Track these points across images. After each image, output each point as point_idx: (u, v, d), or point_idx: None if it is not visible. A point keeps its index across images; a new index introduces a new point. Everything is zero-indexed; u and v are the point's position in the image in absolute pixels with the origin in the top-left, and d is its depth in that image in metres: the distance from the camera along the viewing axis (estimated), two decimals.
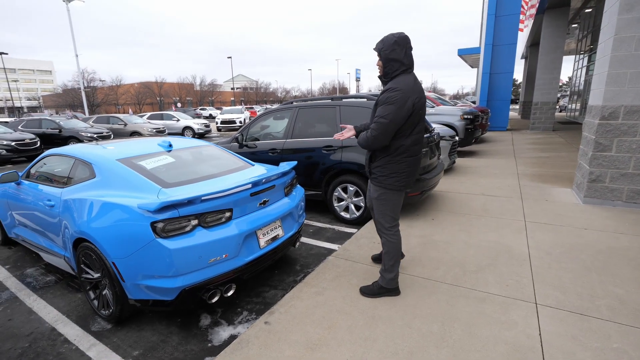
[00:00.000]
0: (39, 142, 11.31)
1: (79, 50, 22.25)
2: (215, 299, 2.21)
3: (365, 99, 4.51)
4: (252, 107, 31.27)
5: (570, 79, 21.10)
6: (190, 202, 2.04)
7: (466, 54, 22.00)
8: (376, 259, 3.07)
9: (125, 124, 15.71)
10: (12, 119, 15.59)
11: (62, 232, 2.55)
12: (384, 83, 2.29)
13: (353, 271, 2.90)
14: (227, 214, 2.23)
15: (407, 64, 2.20)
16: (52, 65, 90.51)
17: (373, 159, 2.37)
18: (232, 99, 54.43)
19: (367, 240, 3.58)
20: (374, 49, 2.24)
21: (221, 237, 2.12)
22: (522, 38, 20.31)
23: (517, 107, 33.58)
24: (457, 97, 62.56)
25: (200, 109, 41.82)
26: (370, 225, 4.01)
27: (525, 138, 12.02)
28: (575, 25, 17.18)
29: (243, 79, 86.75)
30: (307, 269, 3.14)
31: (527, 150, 9.35)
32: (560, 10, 13.16)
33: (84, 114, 23.08)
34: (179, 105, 44.34)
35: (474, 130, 8.88)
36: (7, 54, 33.25)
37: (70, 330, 2.33)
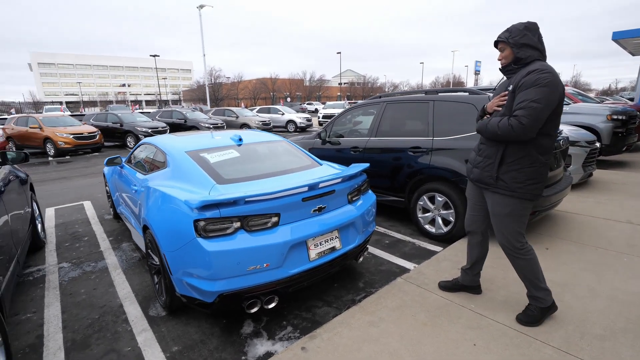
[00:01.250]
0: (168, 130, 13.47)
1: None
2: (255, 309, 2.04)
3: (467, 93, 3.78)
4: (356, 102, 31.36)
5: None
6: (234, 202, 1.90)
7: (625, 38, 17.26)
8: (445, 287, 2.56)
9: (237, 117, 17.47)
10: (154, 110, 19.05)
11: (140, 215, 2.76)
12: (511, 72, 2.03)
13: (423, 303, 2.38)
14: (274, 219, 2.03)
15: (541, 50, 1.97)
16: (191, 65, 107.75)
17: (502, 163, 2.01)
18: (339, 94, 55.73)
19: (450, 264, 2.97)
20: (498, 39, 2.02)
21: (264, 244, 1.93)
22: None
23: None
24: (607, 94, 51.03)
25: (307, 104, 44.12)
26: (458, 246, 3.35)
27: None
28: None
29: (351, 74, 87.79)
30: (371, 289, 2.74)
31: None
32: None
33: (208, 107, 26.76)
34: (288, 100, 47.57)
35: (626, 134, 6.82)
36: (158, 56, 40.56)
37: (133, 310, 2.49)
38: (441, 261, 3.03)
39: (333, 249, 2.30)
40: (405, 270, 2.98)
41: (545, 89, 1.80)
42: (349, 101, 36.53)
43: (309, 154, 3.12)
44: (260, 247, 1.92)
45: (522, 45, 1.94)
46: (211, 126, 15.45)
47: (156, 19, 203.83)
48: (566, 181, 3.73)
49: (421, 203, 3.85)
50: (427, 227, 3.84)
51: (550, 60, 2.03)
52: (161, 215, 2.18)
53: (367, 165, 2.79)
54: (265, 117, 18.75)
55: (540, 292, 2.11)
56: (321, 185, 2.21)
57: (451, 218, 3.58)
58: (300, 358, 1.86)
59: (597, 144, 5.41)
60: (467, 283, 2.48)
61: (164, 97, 70.45)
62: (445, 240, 3.63)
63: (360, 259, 2.72)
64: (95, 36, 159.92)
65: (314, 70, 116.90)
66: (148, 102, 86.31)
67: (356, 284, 2.83)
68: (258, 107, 21.52)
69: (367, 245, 2.94)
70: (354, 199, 2.57)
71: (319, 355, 1.88)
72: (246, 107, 29.20)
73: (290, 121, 19.20)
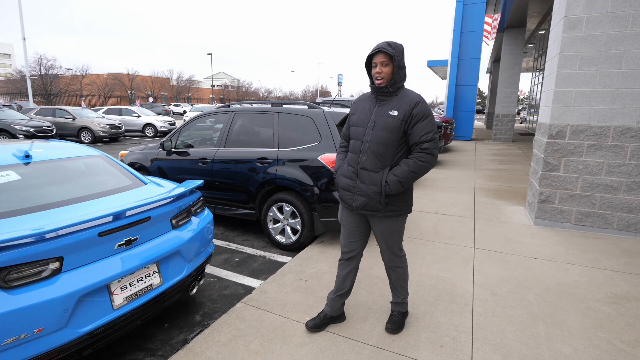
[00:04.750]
0: None
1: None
2: None
3: (306, 107, 3.97)
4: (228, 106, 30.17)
5: (529, 93, 21.94)
6: None
7: (435, 66, 22.31)
8: (314, 326, 2.27)
9: (74, 118, 14.25)
10: None
11: None
12: (386, 94, 1.95)
13: (259, 327, 2.28)
14: (53, 265, 1.57)
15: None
16: (12, 49, 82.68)
17: None
18: (211, 96, 52.53)
19: (294, 276, 3.00)
20: (383, 50, 1.86)
21: (31, 303, 1.45)
22: (487, 53, 20.84)
23: (484, 117, 34.60)
24: (432, 106, 64.23)
25: (174, 105, 40.38)
26: (303, 255, 3.45)
27: (487, 148, 12.06)
28: (532, 45, 17.86)
29: (224, 77, 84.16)
30: (210, 321, 2.50)
31: (487, 161, 9.24)
32: (518, 30, 13.68)
33: (31, 103, 20.92)
34: (150, 99, 42.01)
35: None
36: None
37: None
38: (285, 274, 3.04)
39: (150, 287, 1.97)
40: (250, 290, 2.86)
41: (433, 119, 1.93)
42: (220, 104, 35.14)
43: (133, 171, 2.65)
44: (26, 309, 1.44)
45: (401, 68, 1.90)
46: (31, 129, 12.17)
47: None
48: None
49: (271, 214, 3.85)
50: (278, 237, 3.86)
51: None
52: None
53: (200, 182, 2.57)
54: (115, 119, 15.99)
55: (406, 297, 2.28)
56: (129, 213, 1.86)
57: (298, 227, 3.69)
58: None
59: None
60: (336, 313, 2.29)
61: None
62: (294, 249, 3.72)
63: (194, 291, 2.45)
64: None
65: (183, 69, 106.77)
66: None
67: (192, 319, 2.54)
68: (105, 108, 18.13)
69: (205, 271, 2.71)
70: (181, 222, 2.29)
71: None
72: (90, 106, 24.14)
73: (149, 125, 17.02)
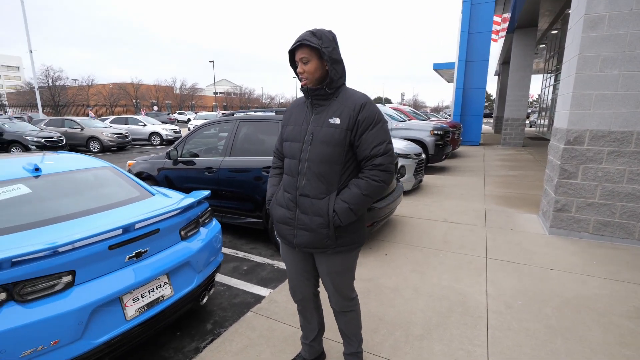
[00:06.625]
0: None
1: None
2: None
3: None
4: (232, 113, 30.50)
5: (539, 96, 21.64)
6: None
7: (442, 69, 22.23)
8: None
9: (82, 128, 14.59)
10: None
11: None
12: (322, 97, 1.55)
13: (270, 337, 2.28)
14: (66, 279, 1.59)
15: (345, 71, 1.60)
16: (20, 61, 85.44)
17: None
18: (215, 103, 53.11)
19: None
20: (306, 42, 1.46)
21: (47, 316, 1.47)
22: (495, 55, 20.73)
23: (491, 121, 34.40)
24: (437, 110, 63.78)
25: (178, 113, 41.11)
26: None
27: (496, 154, 11.90)
28: (543, 45, 17.63)
29: (227, 84, 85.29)
30: (220, 329, 2.50)
31: (497, 167, 9.12)
32: (528, 30, 13.38)
33: (40, 115, 21.41)
34: (155, 108, 42.74)
35: (444, 146, 8.61)
36: None
37: None
38: None
39: (161, 298, 1.98)
40: (259, 299, 2.85)
41: (386, 124, 1.56)
42: (223, 112, 35.72)
43: (140, 182, 2.68)
44: (42, 322, 1.45)
45: (335, 62, 1.51)
46: (42, 140, 12.46)
47: None
48: (398, 191, 4.32)
49: None
50: None
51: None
52: None
53: (207, 192, 2.58)
54: (122, 128, 16.30)
55: (360, 346, 1.91)
56: (138, 225, 1.87)
57: None
58: None
59: (423, 156, 6.57)
60: (315, 355, 2.00)
61: None
62: None
63: (204, 300, 2.45)
64: None
65: (185, 77, 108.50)
66: None
67: (203, 327, 2.54)
68: (112, 117, 18.49)
69: (215, 280, 2.71)
70: (189, 233, 2.30)
71: None
72: (97, 116, 24.71)
73: (155, 133, 17.34)
